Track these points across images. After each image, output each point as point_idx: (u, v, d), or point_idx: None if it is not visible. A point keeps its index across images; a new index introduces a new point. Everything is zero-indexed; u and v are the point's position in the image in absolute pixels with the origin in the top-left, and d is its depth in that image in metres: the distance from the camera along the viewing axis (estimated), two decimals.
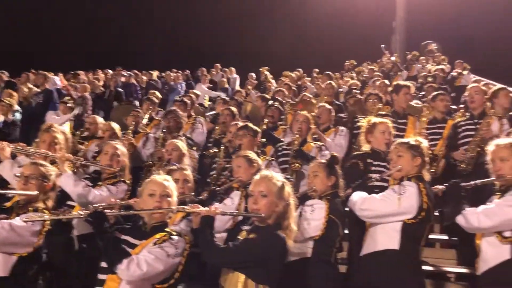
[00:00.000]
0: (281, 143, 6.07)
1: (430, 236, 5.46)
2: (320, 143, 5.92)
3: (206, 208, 3.18)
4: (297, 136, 5.71)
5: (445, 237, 5.98)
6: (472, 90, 6.06)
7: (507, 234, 3.30)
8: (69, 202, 4.27)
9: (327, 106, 7.14)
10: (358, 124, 6.55)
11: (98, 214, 3.08)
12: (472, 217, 3.39)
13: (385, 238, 3.66)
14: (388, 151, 4.18)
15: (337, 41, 22.05)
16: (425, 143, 3.94)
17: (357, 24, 21.72)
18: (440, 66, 12.73)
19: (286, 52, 21.50)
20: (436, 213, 5.62)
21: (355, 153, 4.74)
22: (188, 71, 16.60)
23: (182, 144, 5.34)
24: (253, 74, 15.58)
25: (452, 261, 5.76)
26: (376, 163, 4.60)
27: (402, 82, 6.89)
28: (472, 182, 3.62)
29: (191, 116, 7.90)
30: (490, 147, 3.59)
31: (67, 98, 9.14)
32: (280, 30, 22.35)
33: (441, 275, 5.43)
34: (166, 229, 3.19)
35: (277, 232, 3.05)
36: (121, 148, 4.61)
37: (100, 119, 7.39)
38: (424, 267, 5.14)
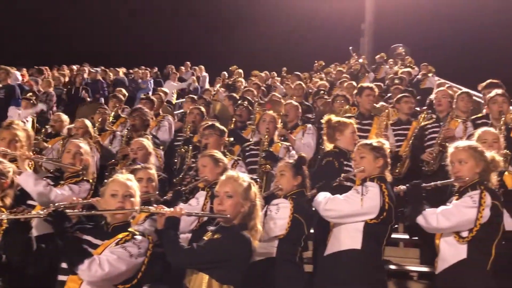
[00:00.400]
0: (248, 143, 6.06)
1: (394, 236, 5.54)
2: (287, 143, 5.92)
3: (171, 209, 3.16)
4: (266, 136, 5.68)
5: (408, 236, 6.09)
6: (439, 94, 6.24)
7: (464, 234, 3.39)
8: (30, 202, 4.15)
9: (294, 102, 7.17)
10: None
11: (58, 213, 3.00)
12: (431, 217, 3.47)
13: (348, 238, 3.70)
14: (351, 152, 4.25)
15: (306, 42, 22.25)
16: (387, 145, 4.01)
17: (326, 26, 21.97)
18: (406, 69, 12.98)
19: (255, 52, 21.56)
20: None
21: (327, 150, 4.71)
22: (156, 69, 16.45)
23: (148, 142, 5.27)
24: (225, 73, 15.56)
25: (415, 260, 5.87)
26: (345, 162, 4.64)
27: (365, 84, 6.98)
28: (432, 183, 3.72)
29: (159, 114, 7.82)
30: (450, 149, 3.70)
31: (29, 94, 8.88)
32: (249, 31, 22.39)
33: (404, 274, 5.54)
34: (129, 229, 3.15)
35: (242, 233, 3.05)
36: (84, 147, 4.51)
37: (65, 117, 7.25)
38: (388, 266, 5.27)
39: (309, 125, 6.75)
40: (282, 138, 6.13)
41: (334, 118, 4.79)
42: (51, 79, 12.01)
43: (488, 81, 6.82)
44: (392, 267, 5.49)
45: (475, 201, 3.37)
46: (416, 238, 5.29)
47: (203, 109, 7.11)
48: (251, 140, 6.51)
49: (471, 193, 3.44)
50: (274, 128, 5.82)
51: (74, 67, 15.55)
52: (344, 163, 4.60)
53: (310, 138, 6.49)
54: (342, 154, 4.66)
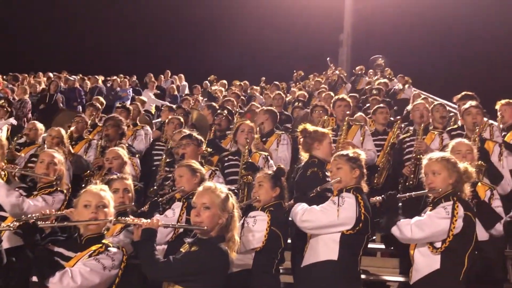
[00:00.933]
0: (226, 153, 5.99)
1: (371, 246, 5.59)
2: (266, 153, 5.88)
3: (148, 220, 3.12)
4: (246, 147, 5.62)
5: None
6: (421, 106, 6.30)
7: (438, 244, 3.44)
8: (1, 213, 4.08)
9: (265, 108, 7.13)
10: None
11: (29, 226, 2.94)
12: (406, 228, 3.52)
13: (325, 249, 3.70)
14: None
15: (285, 52, 22.41)
16: (363, 155, 4.03)
17: (305, 36, 22.17)
18: (383, 80, 13.15)
19: (233, 62, 21.62)
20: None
21: (309, 161, 4.67)
22: (135, 77, 16.34)
23: (123, 151, 5.18)
24: (207, 82, 15.55)
25: (392, 270, 5.90)
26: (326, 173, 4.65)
27: (337, 96, 7.05)
28: (407, 194, 3.77)
29: (136, 124, 7.74)
30: (424, 161, 3.75)
31: (1, 101, 8.71)
32: (228, 41, 22.47)
33: (382, 284, 5.56)
34: (102, 241, 3.10)
35: (220, 245, 3.02)
36: (58, 156, 4.44)
37: (40, 125, 7.11)
38: (365, 276, 5.29)
39: (283, 135, 6.69)
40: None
41: (310, 127, 4.78)
42: (27, 86, 11.81)
43: (463, 93, 6.96)
44: (370, 277, 5.51)
45: (448, 212, 3.42)
46: (392, 248, 5.34)
47: (181, 119, 7.07)
48: (230, 150, 6.48)
49: (444, 204, 3.49)
50: (252, 138, 5.80)
51: (51, 74, 15.34)
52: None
53: (285, 149, 6.47)
54: (320, 164, 4.66)
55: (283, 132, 6.96)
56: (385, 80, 13.23)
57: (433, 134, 6.05)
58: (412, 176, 5.50)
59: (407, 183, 5.53)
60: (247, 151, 5.61)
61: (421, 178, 3.81)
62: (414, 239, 3.51)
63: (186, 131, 5.78)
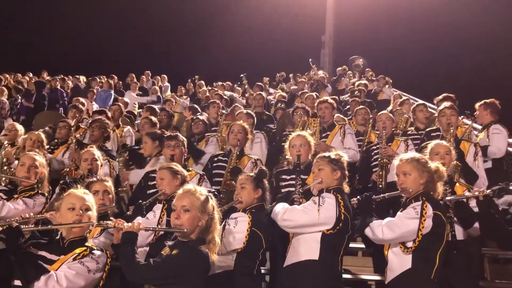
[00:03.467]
0: (217, 153, 5.99)
1: (353, 245, 5.67)
2: (255, 157, 5.86)
3: (129, 224, 3.14)
4: (236, 148, 5.64)
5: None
6: (383, 117, 6.41)
7: (409, 244, 3.50)
8: None
9: (245, 110, 7.21)
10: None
11: (12, 229, 2.94)
12: (378, 229, 3.60)
13: (306, 248, 3.76)
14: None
15: (267, 53, 22.48)
16: (345, 157, 4.09)
17: (287, 37, 22.27)
18: (363, 81, 13.26)
19: (216, 63, 21.64)
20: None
21: None
22: (116, 78, 16.21)
23: (98, 153, 5.11)
24: (190, 82, 15.52)
25: (372, 269, 5.98)
26: None
27: (320, 99, 7.18)
28: (381, 195, 3.84)
29: (119, 125, 7.71)
30: (395, 162, 3.83)
31: None
32: (210, 42, 22.49)
33: (363, 283, 5.62)
34: (86, 244, 3.11)
35: (199, 248, 3.04)
36: (40, 159, 4.42)
37: (19, 126, 7.05)
38: (346, 275, 5.35)
39: (257, 133, 6.74)
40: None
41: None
42: (5, 88, 11.65)
43: (444, 94, 7.10)
44: (350, 276, 5.58)
45: (417, 212, 3.48)
46: (372, 248, 5.41)
47: (153, 118, 7.06)
48: (205, 152, 6.50)
49: (414, 205, 3.56)
50: (244, 138, 5.77)
51: (30, 74, 15.18)
52: None
53: (259, 147, 6.54)
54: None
55: (257, 131, 6.99)
56: (365, 81, 13.32)
57: (398, 141, 6.19)
58: (380, 180, 5.62)
59: (377, 188, 5.61)
60: (236, 153, 5.63)
61: (392, 183, 3.88)
62: (386, 239, 3.59)
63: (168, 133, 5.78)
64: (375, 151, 6.15)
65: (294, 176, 4.68)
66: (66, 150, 6.46)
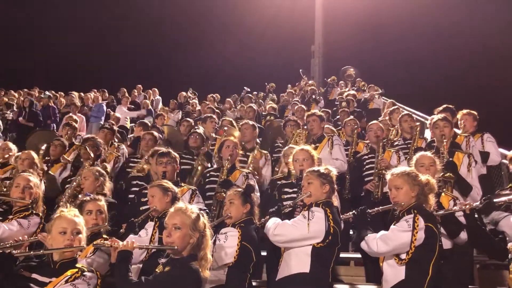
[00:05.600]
0: (211, 168, 6.07)
1: (345, 255, 5.73)
2: (247, 171, 5.96)
3: (124, 242, 3.22)
4: (226, 162, 5.72)
5: (359, 255, 6.28)
6: (374, 127, 6.48)
7: (403, 256, 3.59)
8: None
9: (250, 122, 7.21)
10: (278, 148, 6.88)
11: (5, 256, 3.00)
12: (372, 242, 3.69)
13: (297, 262, 3.83)
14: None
15: (257, 64, 22.61)
16: (334, 172, 4.18)
17: (276, 48, 22.43)
18: (352, 92, 13.37)
19: (206, 75, 21.75)
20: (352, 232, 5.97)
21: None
22: (107, 92, 16.25)
23: (98, 170, 5.20)
24: (184, 93, 15.58)
25: (365, 278, 6.04)
26: None
27: (309, 112, 7.30)
28: (375, 209, 3.93)
29: (112, 143, 7.76)
30: (387, 176, 3.93)
31: None
32: (200, 54, 22.58)
33: None
34: (77, 265, 3.16)
35: (190, 264, 3.12)
36: (34, 180, 4.47)
37: (12, 146, 7.08)
38: (339, 285, 5.42)
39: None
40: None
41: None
42: None
43: (444, 106, 7.07)
44: (343, 286, 5.63)
45: (410, 225, 3.57)
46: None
47: (156, 134, 7.12)
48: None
49: (406, 217, 3.65)
50: (236, 154, 5.90)
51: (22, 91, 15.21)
52: None
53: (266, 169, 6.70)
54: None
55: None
56: (353, 92, 13.45)
57: (390, 152, 6.26)
58: (377, 190, 5.67)
59: (372, 198, 5.68)
60: (227, 167, 5.71)
61: (387, 193, 3.98)
62: (380, 252, 3.67)
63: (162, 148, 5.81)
64: (367, 161, 6.24)
65: (296, 189, 4.77)
66: (63, 169, 6.51)
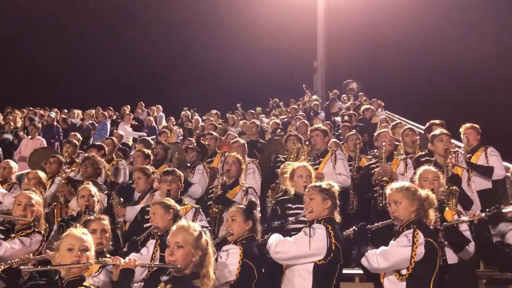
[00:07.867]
0: (212, 186, 6.08)
1: (350, 271, 5.67)
2: (247, 185, 5.96)
3: (126, 260, 3.20)
4: (224, 178, 5.74)
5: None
6: (387, 135, 6.48)
7: (403, 272, 3.57)
8: None
9: (241, 141, 7.34)
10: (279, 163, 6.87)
11: (12, 271, 2.99)
12: (372, 259, 3.65)
13: (299, 279, 3.82)
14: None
15: (261, 80, 22.73)
16: (336, 187, 4.17)
17: (279, 63, 22.56)
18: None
19: (209, 90, 21.86)
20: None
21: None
22: (111, 109, 16.32)
23: (94, 189, 5.17)
24: (187, 111, 15.65)
25: None
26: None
27: (313, 126, 7.34)
28: (375, 224, 3.91)
29: (113, 158, 7.79)
30: (387, 191, 3.91)
31: None
32: (202, 71, 22.72)
33: None
34: (84, 283, 3.15)
35: (192, 282, 3.08)
36: (36, 197, 4.49)
37: (13, 164, 7.12)
38: None
39: (249, 164, 6.86)
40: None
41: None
42: None
43: (437, 121, 7.13)
44: None
45: (409, 240, 3.55)
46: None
47: (147, 151, 7.19)
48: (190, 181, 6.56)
49: (406, 232, 3.64)
50: (237, 169, 5.90)
51: (25, 110, 15.32)
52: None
53: (252, 178, 6.67)
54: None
55: (250, 160, 7.13)
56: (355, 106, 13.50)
57: (397, 160, 6.24)
58: (380, 198, 5.61)
59: (376, 206, 5.64)
60: (223, 182, 5.74)
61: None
62: (380, 268, 3.64)
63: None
64: (376, 169, 6.18)
65: (299, 205, 4.72)
66: (51, 184, 6.53)
